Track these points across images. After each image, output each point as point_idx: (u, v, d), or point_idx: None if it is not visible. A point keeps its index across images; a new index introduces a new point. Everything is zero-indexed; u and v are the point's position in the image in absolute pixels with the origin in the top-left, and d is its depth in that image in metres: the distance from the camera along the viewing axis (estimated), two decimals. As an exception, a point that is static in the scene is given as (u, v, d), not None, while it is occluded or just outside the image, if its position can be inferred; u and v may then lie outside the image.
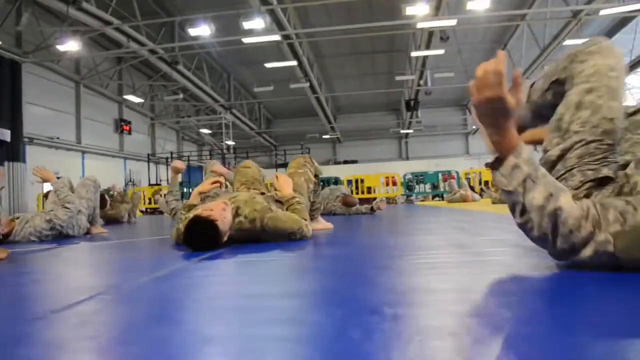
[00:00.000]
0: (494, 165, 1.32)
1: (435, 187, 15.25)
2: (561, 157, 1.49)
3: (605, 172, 1.42)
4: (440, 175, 14.93)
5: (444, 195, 13.75)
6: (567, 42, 17.60)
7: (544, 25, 17.82)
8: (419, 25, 14.52)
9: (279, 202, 3.05)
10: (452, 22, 14.36)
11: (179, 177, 4.45)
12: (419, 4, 12.85)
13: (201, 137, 30.69)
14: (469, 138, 33.53)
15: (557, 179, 1.45)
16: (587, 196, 1.41)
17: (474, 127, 31.99)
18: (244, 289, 1.47)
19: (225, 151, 25.22)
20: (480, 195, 12.40)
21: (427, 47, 17.66)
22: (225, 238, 2.57)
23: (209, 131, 28.69)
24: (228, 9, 14.05)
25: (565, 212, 1.21)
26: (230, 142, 26.05)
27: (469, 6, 12.89)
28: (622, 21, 19.62)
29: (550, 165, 1.52)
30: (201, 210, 2.53)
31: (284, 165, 22.41)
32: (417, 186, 15.14)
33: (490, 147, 1.32)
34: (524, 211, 1.26)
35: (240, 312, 1.15)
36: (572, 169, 1.46)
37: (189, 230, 2.42)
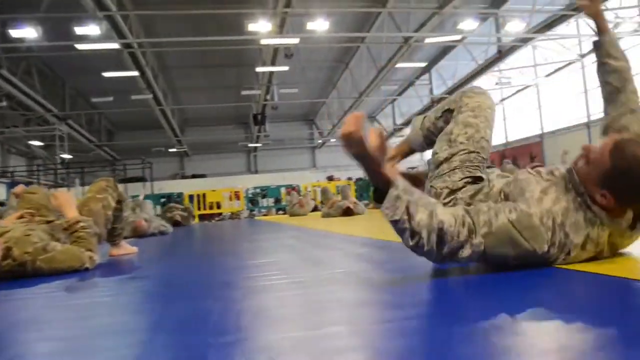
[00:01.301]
0: (379, 201, 1.49)
1: (278, 200, 15.47)
2: (447, 159, 1.96)
3: (479, 173, 1.93)
4: (282, 189, 15.18)
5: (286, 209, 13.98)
6: (400, 64, 19.06)
7: (381, 48, 19.08)
8: (263, 42, 14.71)
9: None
10: (295, 41, 14.77)
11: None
12: (261, 22, 13.02)
13: (31, 150, 27.80)
14: (316, 151, 34.67)
15: (442, 174, 1.95)
16: (457, 191, 1.90)
17: (319, 141, 33.19)
18: None
19: (58, 166, 23.09)
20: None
21: (273, 64, 17.96)
22: None
23: (41, 143, 26.04)
24: (58, 12, 12.91)
25: (446, 223, 1.44)
26: (67, 156, 23.91)
27: (309, 26, 13.37)
28: (445, 49, 21.81)
29: (437, 164, 2.00)
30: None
31: (127, 180, 21.16)
32: (261, 200, 15.24)
33: (372, 182, 1.52)
34: (413, 234, 1.43)
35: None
36: (455, 169, 1.93)
37: None
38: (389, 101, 29.88)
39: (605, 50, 2.06)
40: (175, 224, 9.55)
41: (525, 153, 24.76)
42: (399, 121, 30.18)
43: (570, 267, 1.52)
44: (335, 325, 1.13)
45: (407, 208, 1.41)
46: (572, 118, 22.68)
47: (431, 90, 25.47)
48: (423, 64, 22.18)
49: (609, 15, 18.04)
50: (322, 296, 1.52)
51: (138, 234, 5.92)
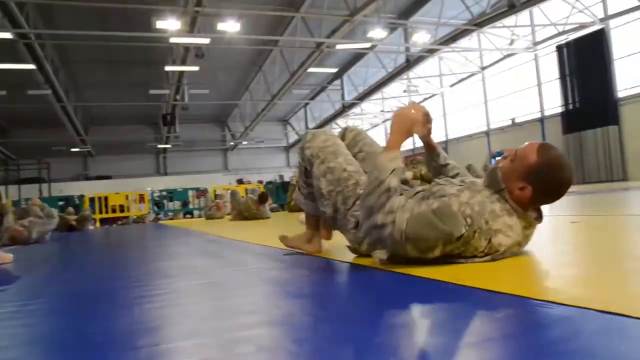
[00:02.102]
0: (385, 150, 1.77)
1: (186, 204, 15.03)
2: (335, 211, 2.08)
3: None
4: (190, 192, 14.77)
5: (194, 213, 13.64)
6: (312, 69, 19.27)
7: (294, 52, 19.17)
8: (172, 40, 14.30)
9: None
10: (206, 41, 14.50)
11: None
12: (170, 20, 12.66)
13: None
14: (228, 154, 34.21)
15: (344, 225, 2.07)
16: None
17: (231, 143, 32.77)
18: None
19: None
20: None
21: (183, 63, 17.51)
22: None
23: None
24: None
25: (397, 197, 1.67)
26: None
27: (220, 27, 13.19)
28: (357, 56, 22.33)
29: (332, 218, 2.13)
30: None
31: (21, 181, 19.71)
32: (168, 204, 14.74)
33: (389, 141, 1.79)
34: (381, 183, 1.66)
35: None
36: (346, 216, 2.04)
37: None
38: (302, 105, 30.08)
39: (443, 157, 2.23)
40: (70, 228, 9.04)
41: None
42: (311, 125, 30.46)
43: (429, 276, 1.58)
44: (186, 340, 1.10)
45: (393, 170, 1.69)
46: (473, 126, 24.02)
47: (343, 96, 25.96)
48: (334, 70, 22.56)
49: (505, 33, 19.31)
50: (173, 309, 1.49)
51: (18, 242, 5.48)
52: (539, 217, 1.77)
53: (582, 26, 17.57)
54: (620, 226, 2.96)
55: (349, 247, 2.18)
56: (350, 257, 2.15)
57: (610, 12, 17.05)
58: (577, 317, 0.99)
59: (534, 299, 1.13)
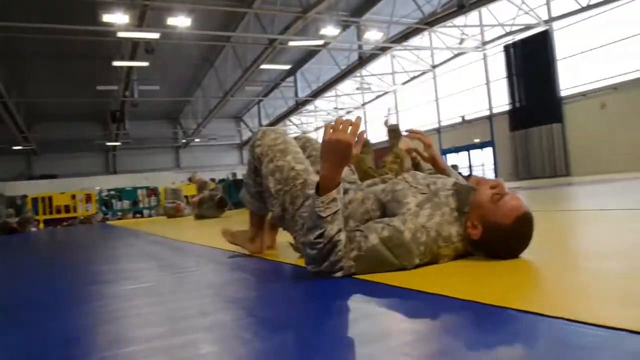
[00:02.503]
0: (318, 192, 1.55)
1: (135, 203, 14.63)
2: (283, 211, 2.01)
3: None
4: (141, 191, 14.38)
5: (144, 212, 13.31)
6: (265, 66, 19.15)
7: (246, 48, 18.99)
8: (120, 34, 13.88)
9: None
10: (155, 35, 14.16)
11: None
12: (118, 13, 12.30)
13: None
14: (180, 151, 33.61)
15: (291, 227, 2.00)
16: None
17: (183, 141, 32.23)
18: None
19: None
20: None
21: (132, 58, 17.07)
22: None
23: None
24: None
25: (341, 243, 1.53)
26: None
27: (170, 21, 12.91)
28: (310, 53, 22.32)
29: (279, 218, 2.06)
30: None
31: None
32: (117, 203, 14.29)
33: (323, 176, 1.55)
34: (321, 235, 1.51)
35: None
36: (294, 217, 1.96)
37: None
38: (255, 102, 29.86)
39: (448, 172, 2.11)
40: (11, 231, 8.69)
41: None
42: (265, 122, 30.29)
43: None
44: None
45: (335, 213, 1.52)
46: (425, 123, 24.43)
47: (296, 93, 25.91)
48: (288, 67, 22.48)
49: (455, 32, 19.70)
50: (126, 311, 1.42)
51: None
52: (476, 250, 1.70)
53: (528, 27, 18.13)
54: (560, 221, 3.03)
55: (292, 244, 2.15)
56: (294, 257, 2.12)
57: (554, 15, 17.64)
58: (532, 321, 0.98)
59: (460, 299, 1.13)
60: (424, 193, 1.72)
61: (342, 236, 1.54)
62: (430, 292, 1.24)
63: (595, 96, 16.54)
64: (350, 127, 1.51)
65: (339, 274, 1.54)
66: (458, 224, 1.66)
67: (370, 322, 1.09)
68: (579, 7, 16.55)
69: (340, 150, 1.50)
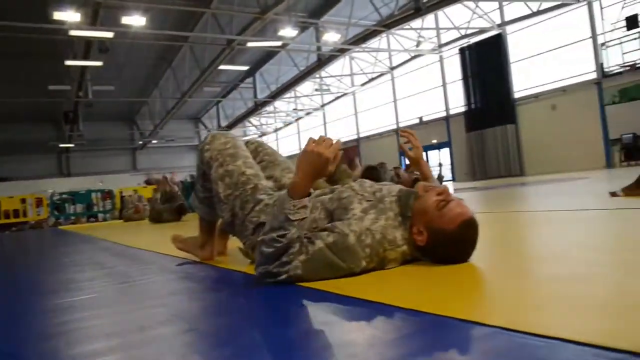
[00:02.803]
0: (290, 195, 1.55)
1: (90, 207, 14.20)
2: (232, 216, 1.97)
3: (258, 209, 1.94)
4: (95, 194, 13.98)
5: (99, 216, 12.95)
6: (223, 66, 18.97)
7: (205, 49, 18.76)
8: (72, 33, 13.46)
9: None
10: (109, 34, 13.81)
11: None
12: (69, 11, 11.93)
13: None
14: (137, 153, 32.92)
15: (241, 232, 1.96)
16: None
17: (140, 142, 31.59)
18: None
19: None
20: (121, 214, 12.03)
21: (85, 58, 16.62)
22: None
23: None
24: None
25: (296, 247, 1.54)
26: None
27: (125, 20, 12.63)
28: (269, 54, 22.24)
29: (228, 224, 2.02)
30: None
31: None
32: (70, 207, 13.83)
33: (296, 183, 1.56)
34: (283, 236, 1.52)
35: None
36: (244, 222, 1.94)
37: None
38: (214, 103, 29.55)
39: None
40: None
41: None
42: (224, 123, 30.02)
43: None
44: None
45: (302, 220, 1.54)
46: (383, 124, 24.71)
47: (255, 94, 25.77)
48: (246, 68, 22.32)
49: (412, 35, 19.99)
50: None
51: None
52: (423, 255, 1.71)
53: (482, 31, 18.55)
54: (508, 223, 3.11)
55: (241, 249, 2.12)
56: (244, 263, 2.10)
57: (506, 19, 18.12)
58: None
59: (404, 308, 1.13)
60: (370, 200, 1.74)
61: (299, 242, 1.56)
62: (375, 301, 1.24)
63: (546, 98, 17.09)
64: (331, 146, 1.56)
65: (283, 276, 1.54)
66: (402, 228, 1.69)
67: (316, 333, 1.08)
68: (530, 11, 17.06)
69: (318, 162, 1.55)
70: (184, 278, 2.08)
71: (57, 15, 12.29)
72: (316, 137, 1.60)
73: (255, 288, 1.60)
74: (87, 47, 16.02)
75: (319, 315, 1.25)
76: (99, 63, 16.74)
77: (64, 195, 13.95)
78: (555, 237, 2.26)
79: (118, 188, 15.93)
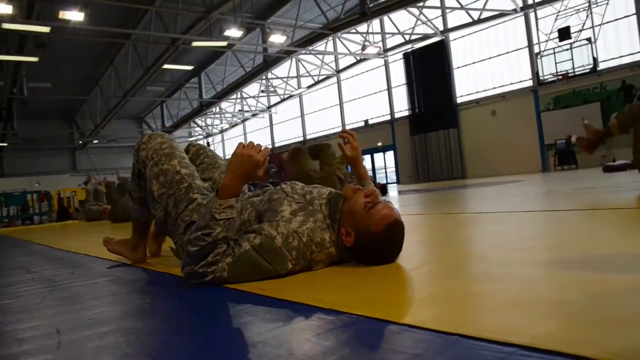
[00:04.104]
0: (218, 195, 1.59)
1: (25, 209, 13.55)
2: (166, 215, 1.95)
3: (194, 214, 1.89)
4: (30, 196, 13.35)
5: (34, 218, 12.39)
6: (167, 66, 18.59)
7: (148, 47, 18.33)
8: (4, 26, 12.81)
9: None
10: (45, 29, 13.26)
11: None
12: (1, 3, 11.38)
13: None
14: (76, 153, 31.76)
15: (174, 231, 1.93)
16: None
17: (80, 142, 30.50)
18: None
19: None
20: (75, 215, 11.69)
21: (20, 52, 15.90)
22: None
23: None
24: None
25: (222, 247, 1.56)
26: None
27: (63, 15, 12.16)
28: (215, 54, 21.99)
29: (161, 222, 2.01)
30: None
31: None
32: (3, 209, 13.13)
33: (225, 184, 1.60)
34: (208, 234, 1.53)
35: None
36: (176, 221, 1.91)
37: None
38: (158, 102, 28.92)
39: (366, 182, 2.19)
40: None
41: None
42: (169, 123, 29.44)
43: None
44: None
45: (228, 220, 1.56)
46: (329, 126, 24.90)
47: (201, 94, 25.41)
48: (191, 67, 21.96)
49: (358, 38, 20.24)
50: None
51: None
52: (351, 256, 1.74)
53: (426, 37, 18.99)
54: (441, 224, 3.19)
55: (172, 249, 2.09)
56: (176, 265, 2.06)
57: (449, 26, 18.64)
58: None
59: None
60: (299, 202, 1.76)
61: (225, 243, 1.57)
62: (295, 301, 1.25)
63: (486, 104, 17.69)
64: (260, 151, 1.62)
65: (209, 277, 1.55)
66: (330, 230, 1.71)
67: (234, 333, 1.08)
68: (471, 20, 17.62)
69: (248, 165, 1.59)
70: (112, 281, 2.03)
71: (-13, 8, 11.71)
72: (246, 143, 1.64)
73: (179, 290, 1.58)
74: (22, 42, 15.34)
75: (239, 315, 1.24)
76: (34, 59, 16.03)
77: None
78: (484, 238, 2.35)
79: (56, 189, 15.32)
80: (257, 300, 1.34)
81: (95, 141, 29.90)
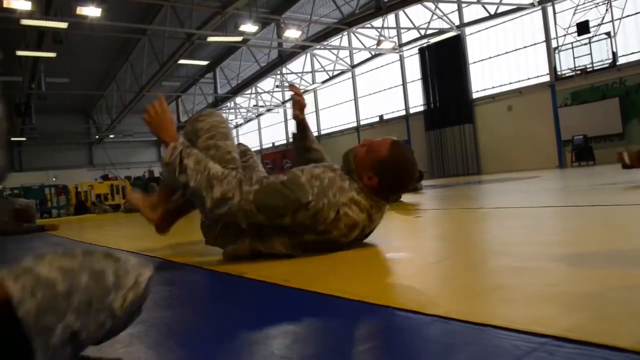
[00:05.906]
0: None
1: (42, 203, 13.76)
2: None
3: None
4: (49, 190, 13.54)
5: (52, 212, 12.54)
6: (183, 61, 18.67)
7: (163, 42, 18.43)
8: (23, 22, 12.98)
9: None
10: (63, 25, 13.40)
11: None
12: (20, 0, 11.52)
13: None
14: (93, 148, 32.08)
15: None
16: None
17: (97, 136, 30.82)
18: None
19: None
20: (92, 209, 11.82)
21: (38, 48, 16.09)
22: None
23: None
24: None
25: (212, 170, 1.74)
26: None
27: (80, 11, 12.28)
28: (230, 49, 22.04)
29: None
30: None
31: None
32: (22, 203, 13.34)
33: (166, 141, 1.83)
34: (181, 172, 1.73)
35: None
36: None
37: None
38: (173, 97, 29.06)
39: (311, 140, 2.44)
40: None
41: (277, 159, 26.67)
42: (184, 118, 29.57)
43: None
44: None
45: (180, 154, 1.75)
46: (344, 122, 24.84)
47: (215, 89, 25.50)
48: (206, 63, 22.05)
49: (373, 33, 20.15)
50: None
51: None
52: (387, 199, 1.91)
53: (442, 31, 18.85)
54: (456, 218, 3.19)
55: (202, 224, 2.13)
56: (196, 256, 2.08)
57: (465, 20, 18.48)
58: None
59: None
60: (317, 167, 1.91)
61: (211, 164, 1.78)
62: (325, 293, 1.26)
63: (502, 99, 17.53)
64: (159, 105, 1.90)
65: (236, 198, 1.70)
66: (350, 180, 1.86)
67: (266, 325, 1.09)
68: (487, 14, 17.45)
69: (160, 124, 1.89)
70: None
71: (7, 3, 11.84)
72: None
73: (205, 280, 1.59)
74: (40, 38, 15.51)
75: (266, 306, 1.25)
76: (52, 54, 16.21)
77: (15, 191, 13.44)
78: (504, 232, 2.34)
79: (73, 184, 15.49)
80: (283, 291, 1.35)
81: (111, 136, 30.20)
